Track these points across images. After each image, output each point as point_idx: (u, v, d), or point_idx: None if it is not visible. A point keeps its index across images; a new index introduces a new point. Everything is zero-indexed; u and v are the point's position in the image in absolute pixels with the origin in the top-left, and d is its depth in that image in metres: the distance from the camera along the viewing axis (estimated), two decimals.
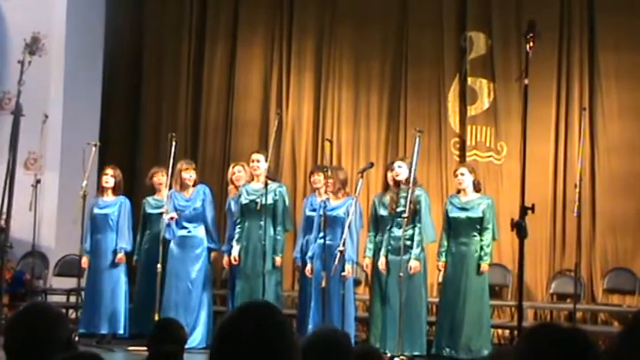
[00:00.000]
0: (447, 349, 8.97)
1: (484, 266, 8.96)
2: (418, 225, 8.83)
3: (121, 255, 9.81)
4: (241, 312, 2.33)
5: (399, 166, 9.04)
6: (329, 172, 9.10)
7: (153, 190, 10.20)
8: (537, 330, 2.36)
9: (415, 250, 8.77)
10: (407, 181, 8.86)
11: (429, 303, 9.47)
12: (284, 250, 9.61)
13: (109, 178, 9.90)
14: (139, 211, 10.22)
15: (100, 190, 10.01)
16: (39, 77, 10.38)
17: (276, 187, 9.52)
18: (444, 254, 9.16)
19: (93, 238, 9.82)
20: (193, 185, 9.81)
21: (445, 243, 9.16)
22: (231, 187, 9.98)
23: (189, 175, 9.75)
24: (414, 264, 8.72)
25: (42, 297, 10.82)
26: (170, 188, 9.66)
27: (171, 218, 9.58)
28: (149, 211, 10.07)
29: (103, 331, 9.73)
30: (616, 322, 10.04)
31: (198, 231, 9.75)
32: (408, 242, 8.76)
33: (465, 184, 9.14)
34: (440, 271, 9.42)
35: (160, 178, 10.04)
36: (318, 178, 9.54)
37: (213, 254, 9.83)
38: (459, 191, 9.23)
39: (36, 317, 3.01)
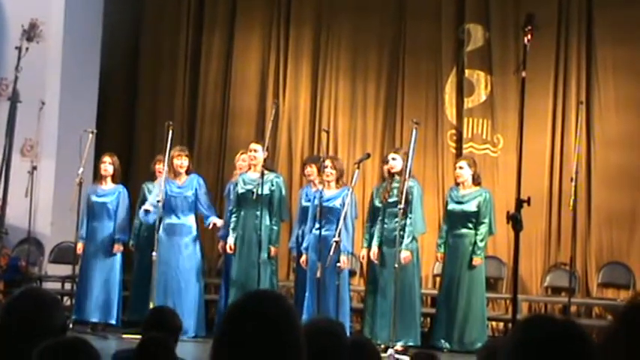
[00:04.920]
0: (442, 341, 9.03)
1: (476, 260, 9.01)
2: (410, 216, 8.84)
3: (119, 245, 9.79)
4: (249, 299, 2.34)
5: (393, 158, 9.06)
6: (326, 163, 9.06)
7: (154, 177, 10.11)
8: (531, 321, 2.36)
9: (406, 241, 8.78)
10: (402, 172, 8.88)
11: (422, 294, 9.50)
12: (280, 240, 9.60)
13: (108, 166, 9.84)
14: (135, 198, 10.18)
15: (99, 178, 9.93)
16: (36, 64, 10.36)
17: (273, 177, 9.50)
18: (442, 246, 9.23)
19: (89, 226, 9.77)
20: (187, 173, 9.75)
21: (444, 235, 9.23)
22: (235, 171, 9.98)
23: (181, 161, 9.67)
24: (404, 254, 8.72)
25: (37, 284, 10.78)
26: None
27: (147, 210, 9.52)
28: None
29: (94, 320, 9.67)
30: (610, 316, 10.04)
31: (188, 219, 9.67)
32: (402, 233, 8.77)
33: (464, 177, 9.19)
34: (438, 262, 9.48)
35: (161, 166, 9.91)
36: (312, 170, 9.51)
37: (214, 221, 9.67)
38: (458, 184, 9.28)
39: (31, 302, 3.01)
